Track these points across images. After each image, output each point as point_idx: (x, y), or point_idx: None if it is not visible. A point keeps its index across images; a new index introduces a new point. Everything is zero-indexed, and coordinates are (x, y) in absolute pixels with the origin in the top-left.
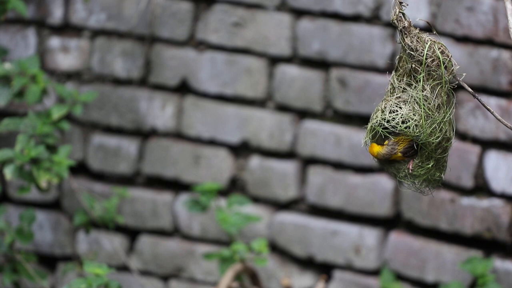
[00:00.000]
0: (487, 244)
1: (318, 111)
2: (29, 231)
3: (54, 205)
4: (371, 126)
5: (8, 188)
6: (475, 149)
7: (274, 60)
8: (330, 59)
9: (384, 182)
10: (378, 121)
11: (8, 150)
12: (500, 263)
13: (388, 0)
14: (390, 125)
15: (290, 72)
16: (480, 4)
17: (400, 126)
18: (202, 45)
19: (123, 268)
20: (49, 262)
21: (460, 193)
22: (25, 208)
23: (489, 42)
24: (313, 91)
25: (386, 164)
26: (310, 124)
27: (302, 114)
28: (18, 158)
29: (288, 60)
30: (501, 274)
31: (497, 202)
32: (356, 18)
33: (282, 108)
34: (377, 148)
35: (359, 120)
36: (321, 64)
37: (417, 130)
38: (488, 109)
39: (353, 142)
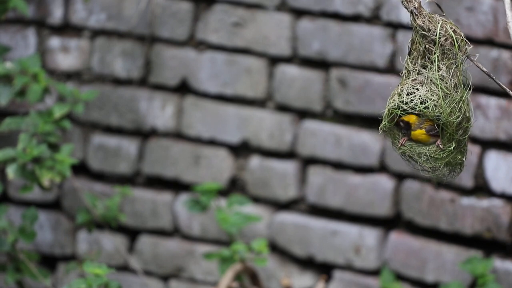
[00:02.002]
0: (487, 244)
1: (318, 111)
2: (31, 230)
3: (54, 205)
4: (389, 110)
5: (9, 188)
6: (475, 149)
7: (274, 60)
8: (330, 59)
9: (384, 182)
10: (396, 104)
11: (10, 149)
12: (500, 263)
13: (388, 0)
14: (409, 106)
15: (290, 72)
16: (480, 4)
17: (419, 107)
18: (202, 45)
19: (123, 268)
20: (49, 262)
21: (460, 193)
22: (26, 208)
23: (489, 42)
24: (313, 91)
25: (406, 150)
26: (310, 124)
27: (302, 114)
28: (21, 157)
29: (288, 60)
30: (501, 274)
31: (497, 202)
32: (356, 18)
33: (282, 108)
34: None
35: (359, 120)
36: (321, 64)
37: (437, 110)
38: (502, 87)
39: (353, 142)
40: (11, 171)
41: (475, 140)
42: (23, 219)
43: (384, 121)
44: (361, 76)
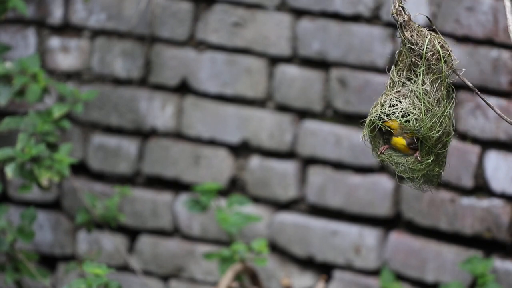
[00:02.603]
0: (487, 244)
1: (318, 111)
2: (30, 230)
3: (54, 205)
4: (370, 120)
5: (8, 188)
6: (475, 149)
7: (274, 60)
8: (330, 59)
9: (384, 182)
10: (378, 115)
11: (9, 148)
12: (500, 263)
13: (388, 0)
14: (390, 119)
15: (290, 72)
16: (480, 4)
17: (400, 120)
18: (202, 45)
19: (123, 268)
20: (49, 262)
21: (460, 193)
22: (25, 208)
23: (489, 42)
24: (313, 91)
25: (385, 158)
26: (310, 124)
27: (302, 114)
28: (19, 156)
29: (288, 60)
30: (501, 274)
31: (497, 202)
32: (356, 18)
33: (282, 108)
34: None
35: (359, 120)
36: (321, 64)
37: (417, 124)
38: (487, 104)
39: (353, 142)
40: (9, 171)
41: (475, 140)
42: (21, 219)
43: (366, 130)
44: (361, 76)
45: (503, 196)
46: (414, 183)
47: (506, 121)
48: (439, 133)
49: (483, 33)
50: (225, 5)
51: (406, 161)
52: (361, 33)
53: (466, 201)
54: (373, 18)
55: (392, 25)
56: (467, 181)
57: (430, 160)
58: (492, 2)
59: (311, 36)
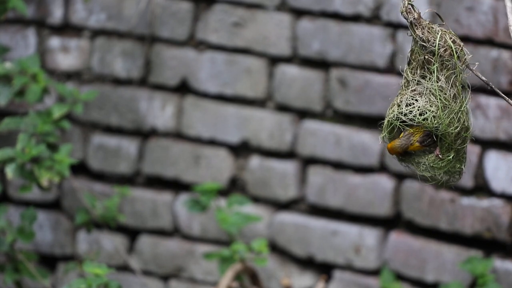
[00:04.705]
0: (487, 244)
1: (318, 111)
2: (30, 230)
3: (54, 205)
4: (388, 121)
5: (8, 188)
6: (475, 149)
7: (274, 60)
8: (330, 59)
9: (384, 182)
10: (395, 115)
11: (9, 149)
12: (500, 263)
13: (388, 0)
14: (408, 118)
15: (290, 72)
16: (480, 4)
17: (418, 119)
18: (202, 45)
19: (123, 268)
20: (49, 262)
21: (460, 193)
22: (25, 208)
23: (489, 42)
24: (313, 91)
25: (406, 159)
26: (310, 124)
27: (302, 114)
28: (19, 157)
29: (288, 60)
30: (501, 274)
31: (497, 202)
32: (356, 18)
33: (282, 108)
34: (392, 143)
35: (359, 120)
36: (321, 64)
37: (435, 121)
38: (501, 96)
39: (353, 142)
40: (10, 171)
41: (475, 140)
42: (21, 219)
43: (384, 131)
44: (361, 76)
45: (503, 196)
46: (437, 181)
47: None
48: (458, 128)
49: (483, 33)
50: (225, 5)
51: (427, 159)
52: (361, 33)
53: (466, 201)
54: (373, 18)
55: (392, 25)
56: (467, 181)
57: (451, 157)
58: (492, 2)
59: (311, 36)
